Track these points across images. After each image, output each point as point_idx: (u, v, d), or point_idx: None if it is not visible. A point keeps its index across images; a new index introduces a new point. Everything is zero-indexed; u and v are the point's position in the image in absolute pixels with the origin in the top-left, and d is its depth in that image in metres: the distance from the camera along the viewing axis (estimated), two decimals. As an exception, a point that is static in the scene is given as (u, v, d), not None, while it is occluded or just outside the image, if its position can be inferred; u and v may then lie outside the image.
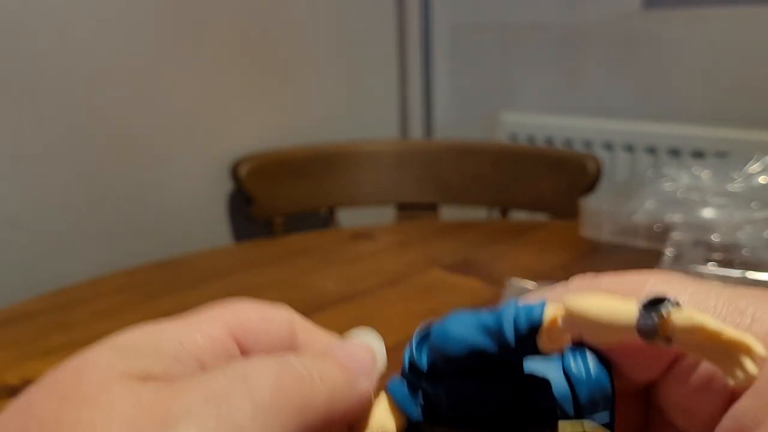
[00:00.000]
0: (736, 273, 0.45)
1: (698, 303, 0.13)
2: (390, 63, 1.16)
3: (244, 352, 0.15)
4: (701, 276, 0.47)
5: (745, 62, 0.94)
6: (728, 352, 0.11)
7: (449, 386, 0.15)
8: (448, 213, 0.95)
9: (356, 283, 0.54)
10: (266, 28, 0.96)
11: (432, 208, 0.93)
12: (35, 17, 0.74)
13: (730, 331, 0.11)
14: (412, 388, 0.15)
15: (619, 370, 0.15)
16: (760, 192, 0.56)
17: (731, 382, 0.12)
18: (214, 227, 0.95)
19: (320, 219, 0.98)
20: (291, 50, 1.00)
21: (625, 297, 0.13)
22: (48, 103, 0.77)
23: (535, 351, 0.14)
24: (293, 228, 0.90)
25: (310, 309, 0.49)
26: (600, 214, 0.56)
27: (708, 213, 0.56)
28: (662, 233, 0.53)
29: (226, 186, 0.94)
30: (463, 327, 0.14)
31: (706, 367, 0.13)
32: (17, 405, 0.12)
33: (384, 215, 0.97)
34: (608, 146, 1.02)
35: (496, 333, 0.14)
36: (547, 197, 0.86)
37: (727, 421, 0.12)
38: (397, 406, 0.15)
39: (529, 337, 0.13)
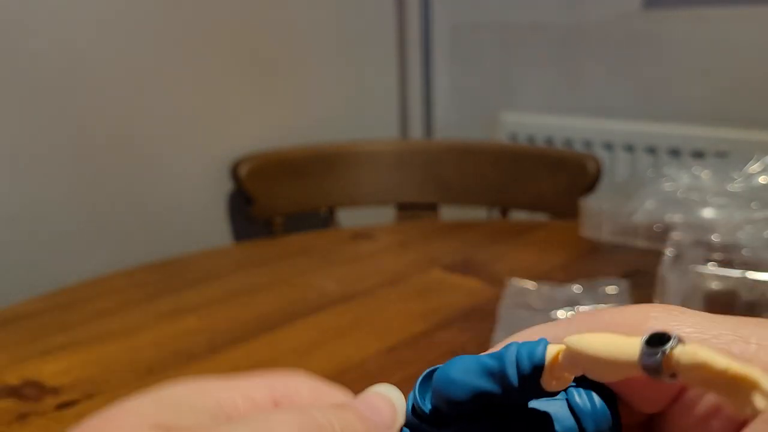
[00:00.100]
0: (736, 273, 0.45)
1: (701, 333, 0.13)
2: (390, 63, 1.16)
3: None
4: (702, 275, 0.47)
5: (745, 62, 0.94)
6: (735, 387, 0.11)
7: (454, 430, 0.15)
8: (448, 213, 0.95)
9: (356, 283, 0.54)
10: (266, 28, 0.96)
11: (432, 208, 0.93)
12: (36, 17, 0.74)
13: (736, 366, 0.11)
14: None
15: (623, 401, 0.15)
16: (760, 192, 0.56)
17: (739, 416, 0.12)
18: (214, 227, 0.95)
19: (320, 219, 0.98)
20: (291, 50, 1.00)
21: (626, 333, 0.13)
22: (48, 104, 0.77)
23: (539, 390, 0.14)
24: (293, 228, 0.90)
25: (310, 309, 0.49)
26: (600, 214, 0.56)
27: (708, 213, 0.56)
28: (662, 233, 0.53)
29: (226, 186, 0.94)
30: (466, 371, 0.14)
31: (711, 397, 0.13)
32: None
33: (384, 215, 0.97)
34: (608, 146, 1.02)
35: (499, 375, 0.14)
36: (547, 197, 0.86)
37: None
38: None
39: (533, 376, 0.14)
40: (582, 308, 0.47)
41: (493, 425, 0.15)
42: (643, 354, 0.12)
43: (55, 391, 0.39)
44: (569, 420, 0.14)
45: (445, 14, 1.21)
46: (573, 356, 0.13)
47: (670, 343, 0.12)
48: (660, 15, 1.00)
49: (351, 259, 0.61)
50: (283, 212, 0.90)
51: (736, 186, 0.58)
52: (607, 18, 1.04)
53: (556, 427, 0.14)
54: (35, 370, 0.41)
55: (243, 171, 0.88)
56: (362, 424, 0.14)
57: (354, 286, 0.53)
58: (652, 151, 0.98)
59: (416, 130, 1.21)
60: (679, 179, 0.59)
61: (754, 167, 0.60)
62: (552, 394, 0.14)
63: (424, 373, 0.15)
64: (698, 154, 0.92)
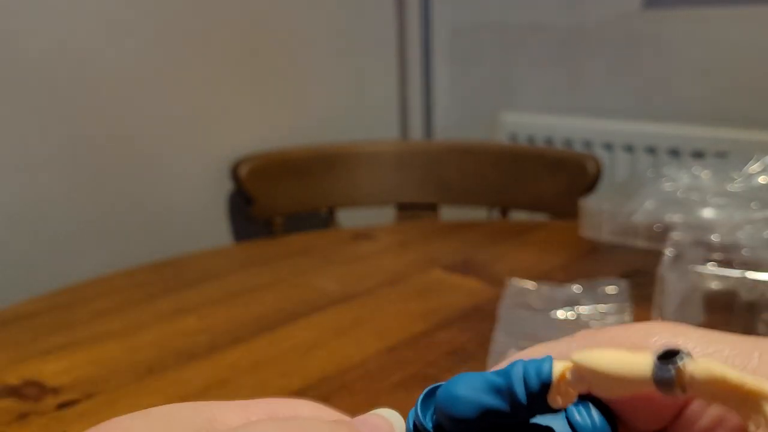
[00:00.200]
0: (735, 273, 0.45)
1: (703, 348, 0.14)
2: (390, 64, 1.16)
3: None
4: (701, 275, 0.47)
5: (745, 62, 0.94)
6: (747, 400, 0.12)
7: None
8: (449, 213, 0.95)
9: (356, 283, 0.54)
10: (267, 29, 0.96)
11: (432, 208, 0.94)
12: (37, 19, 0.74)
13: (750, 380, 0.11)
14: None
15: (624, 419, 0.15)
16: (760, 192, 0.56)
17: (753, 429, 0.12)
18: (214, 227, 0.95)
19: (321, 219, 0.98)
20: (292, 51, 1.00)
21: (630, 350, 0.13)
22: (49, 105, 0.77)
23: (545, 407, 0.14)
24: (293, 228, 0.90)
25: (310, 309, 0.49)
26: (600, 214, 0.56)
27: (708, 213, 0.56)
28: (662, 233, 0.53)
29: (227, 186, 0.94)
30: (472, 388, 0.14)
31: (712, 412, 0.13)
32: None
33: (384, 216, 0.97)
34: (608, 146, 1.02)
35: (506, 392, 0.14)
36: (547, 197, 0.86)
37: None
38: None
39: (541, 393, 0.14)
40: (582, 308, 0.47)
41: None
42: (656, 369, 0.12)
43: (55, 390, 0.39)
44: None
45: (445, 15, 1.21)
46: (581, 372, 0.13)
47: (683, 357, 0.12)
48: (660, 15, 1.00)
49: (351, 259, 0.61)
50: (284, 212, 0.91)
51: (735, 186, 0.58)
52: (607, 18, 1.04)
53: None
54: (35, 369, 0.41)
55: (243, 171, 0.88)
56: None
57: (354, 286, 0.53)
58: (651, 151, 0.98)
59: (416, 131, 1.21)
60: (678, 179, 0.59)
61: (753, 167, 0.60)
62: (556, 411, 0.14)
63: (425, 390, 0.15)
64: (698, 154, 0.92)
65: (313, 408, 0.16)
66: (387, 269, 0.57)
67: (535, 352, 0.15)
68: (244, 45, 0.94)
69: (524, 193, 0.88)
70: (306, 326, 0.46)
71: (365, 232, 0.69)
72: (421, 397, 0.15)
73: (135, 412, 0.14)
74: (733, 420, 0.13)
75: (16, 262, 0.76)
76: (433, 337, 0.44)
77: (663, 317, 0.45)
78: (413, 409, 0.15)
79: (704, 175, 0.59)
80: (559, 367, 0.14)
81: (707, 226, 0.52)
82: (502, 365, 0.15)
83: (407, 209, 0.94)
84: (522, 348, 0.16)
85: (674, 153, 0.95)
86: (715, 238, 0.51)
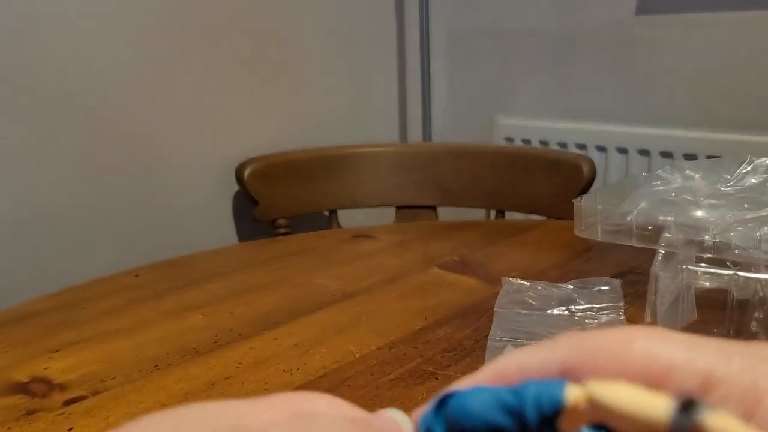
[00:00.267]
0: (728, 272, 0.46)
1: (685, 353, 0.14)
2: (390, 69, 1.17)
3: None
4: (694, 274, 0.47)
5: (736, 66, 0.95)
6: None
7: None
8: (447, 214, 0.96)
9: (357, 281, 0.55)
10: (270, 36, 0.97)
11: (431, 209, 0.94)
12: (42, 22, 0.75)
13: None
14: None
15: None
16: (752, 193, 0.57)
17: None
18: (219, 229, 0.96)
19: (323, 220, 0.99)
20: (294, 58, 1.01)
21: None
22: (57, 108, 0.78)
23: (554, 431, 0.14)
24: (296, 229, 0.91)
25: (312, 307, 0.50)
26: (594, 214, 0.57)
27: (700, 214, 0.56)
28: (655, 233, 0.54)
29: (232, 188, 0.95)
30: (483, 404, 0.15)
31: None
32: None
33: (384, 217, 0.98)
34: (602, 149, 1.03)
35: (516, 412, 0.14)
36: (542, 199, 0.87)
37: None
38: None
39: (552, 418, 0.14)
40: (576, 306, 0.48)
41: None
42: (676, 417, 0.12)
43: (62, 387, 0.39)
44: None
45: (444, 22, 1.22)
46: (597, 406, 0.13)
47: (703, 410, 0.12)
48: (652, 20, 1.01)
49: (352, 258, 0.61)
50: (287, 214, 0.91)
51: (728, 187, 0.59)
52: (601, 24, 1.05)
53: None
54: (43, 366, 0.42)
55: (246, 173, 0.89)
56: None
57: (355, 285, 0.54)
58: (644, 154, 0.99)
59: (415, 134, 1.22)
60: (672, 180, 0.60)
61: (746, 169, 0.61)
62: None
63: (438, 397, 0.16)
64: (690, 157, 0.93)
65: (330, 401, 0.16)
66: (386, 268, 0.58)
67: (529, 350, 0.16)
68: (247, 52, 0.95)
69: (520, 195, 0.89)
70: (308, 324, 0.47)
71: (365, 231, 0.69)
72: (434, 403, 0.16)
73: (161, 412, 0.14)
74: None
75: (26, 261, 0.77)
76: (432, 334, 0.45)
77: (656, 315, 0.46)
78: (425, 414, 0.16)
79: (697, 176, 0.60)
80: (573, 394, 0.14)
81: (700, 226, 0.53)
82: (503, 363, 0.15)
83: (407, 210, 0.95)
84: (518, 346, 0.17)
85: (667, 155, 0.96)
86: (707, 237, 0.52)
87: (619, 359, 0.14)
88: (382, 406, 0.16)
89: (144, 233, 0.87)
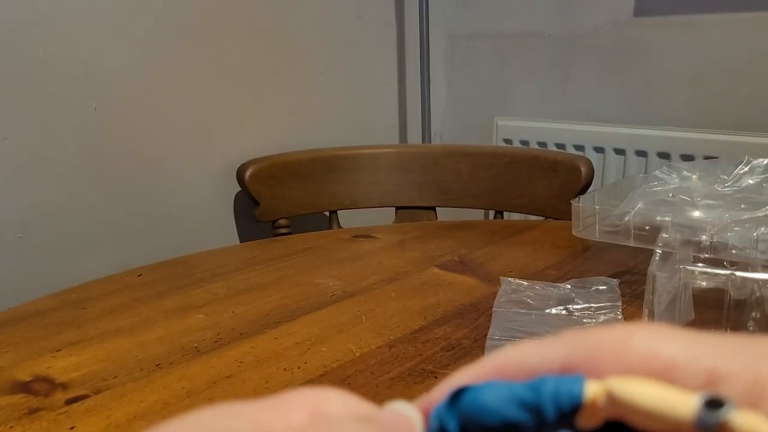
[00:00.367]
0: (725, 271, 0.47)
1: (686, 351, 0.14)
2: (390, 71, 1.18)
3: None
4: (691, 274, 0.48)
5: (733, 67, 0.95)
6: None
7: None
8: (446, 215, 0.97)
9: (357, 281, 0.55)
10: (272, 39, 0.98)
11: (430, 210, 0.95)
12: (46, 25, 0.75)
13: None
14: None
15: None
16: (749, 193, 0.57)
17: None
18: (221, 229, 0.97)
19: (323, 221, 1.00)
20: (295, 59, 1.02)
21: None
22: (59, 108, 0.78)
23: (571, 427, 0.14)
24: (297, 229, 0.92)
25: (312, 306, 0.50)
26: (592, 214, 0.58)
27: (697, 214, 0.57)
28: (653, 233, 0.54)
29: (233, 189, 0.95)
30: (498, 399, 0.15)
31: None
32: None
33: (384, 217, 0.98)
34: (600, 150, 1.04)
35: (534, 408, 0.14)
36: (541, 199, 0.87)
37: None
38: None
39: (570, 414, 0.14)
40: (574, 306, 0.48)
41: None
42: (702, 415, 0.12)
43: (64, 386, 0.39)
44: None
45: (443, 23, 1.23)
46: (617, 402, 0.13)
47: (730, 409, 0.12)
48: (650, 22, 1.01)
49: (352, 258, 0.62)
50: (287, 214, 0.92)
51: (725, 188, 0.59)
52: (599, 26, 1.06)
53: None
54: (45, 366, 0.42)
55: (248, 174, 0.89)
56: None
57: (355, 284, 0.54)
58: (642, 155, 0.99)
59: (415, 135, 1.22)
60: (669, 181, 0.60)
61: (742, 170, 0.61)
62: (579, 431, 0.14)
63: (452, 391, 0.15)
64: (688, 158, 0.93)
65: (341, 396, 0.16)
66: (386, 268, 0.58)
67: (530, 346, 0.16)
68: (248, 54, 0.95)
69: (519, 195, 0.89)
70: (308, 323, 0.47)
71: (365, 231, 0.70)
72: (447, 397, 0.16)
73: (178, 418, 0.14)
74: None
75: (28, 261, 0.77)
76: (431, 333, 0.45)
77: (653, 315, 0.46)
78: (437, 408, 0.16)
79: (694, 177, 0.60)
80: (591, 390, 0.14)
81: (697, 227, 0.54)
82: (502, 357, 0.15)
83: (406, 211, 0.95)
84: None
85: (664, 156, 0.97)
86: (704, 238, 0.52)
87: (620, 356, 0.14)
88: (382, 405, 0.16)
89: (146, 233, 0.87)
